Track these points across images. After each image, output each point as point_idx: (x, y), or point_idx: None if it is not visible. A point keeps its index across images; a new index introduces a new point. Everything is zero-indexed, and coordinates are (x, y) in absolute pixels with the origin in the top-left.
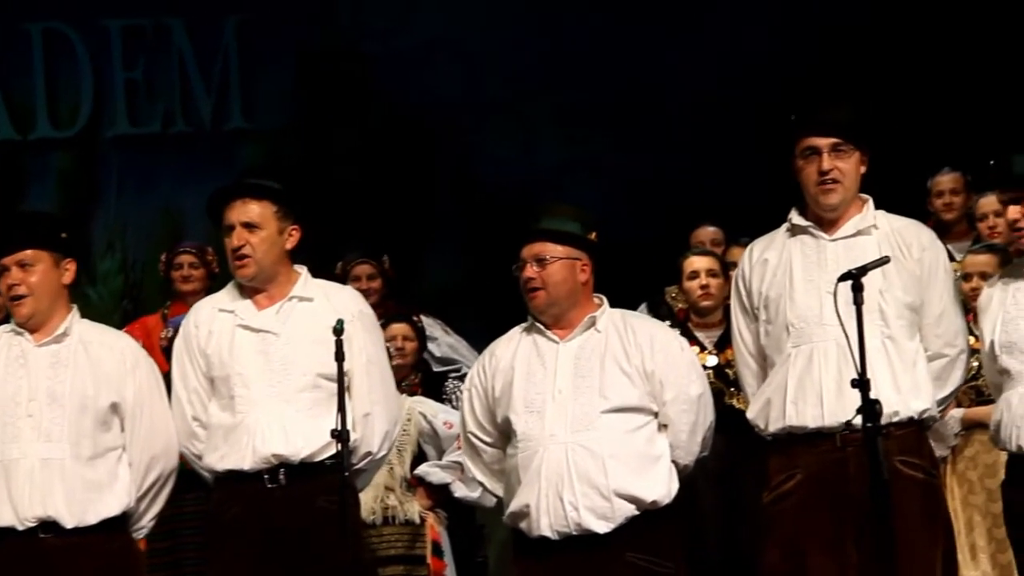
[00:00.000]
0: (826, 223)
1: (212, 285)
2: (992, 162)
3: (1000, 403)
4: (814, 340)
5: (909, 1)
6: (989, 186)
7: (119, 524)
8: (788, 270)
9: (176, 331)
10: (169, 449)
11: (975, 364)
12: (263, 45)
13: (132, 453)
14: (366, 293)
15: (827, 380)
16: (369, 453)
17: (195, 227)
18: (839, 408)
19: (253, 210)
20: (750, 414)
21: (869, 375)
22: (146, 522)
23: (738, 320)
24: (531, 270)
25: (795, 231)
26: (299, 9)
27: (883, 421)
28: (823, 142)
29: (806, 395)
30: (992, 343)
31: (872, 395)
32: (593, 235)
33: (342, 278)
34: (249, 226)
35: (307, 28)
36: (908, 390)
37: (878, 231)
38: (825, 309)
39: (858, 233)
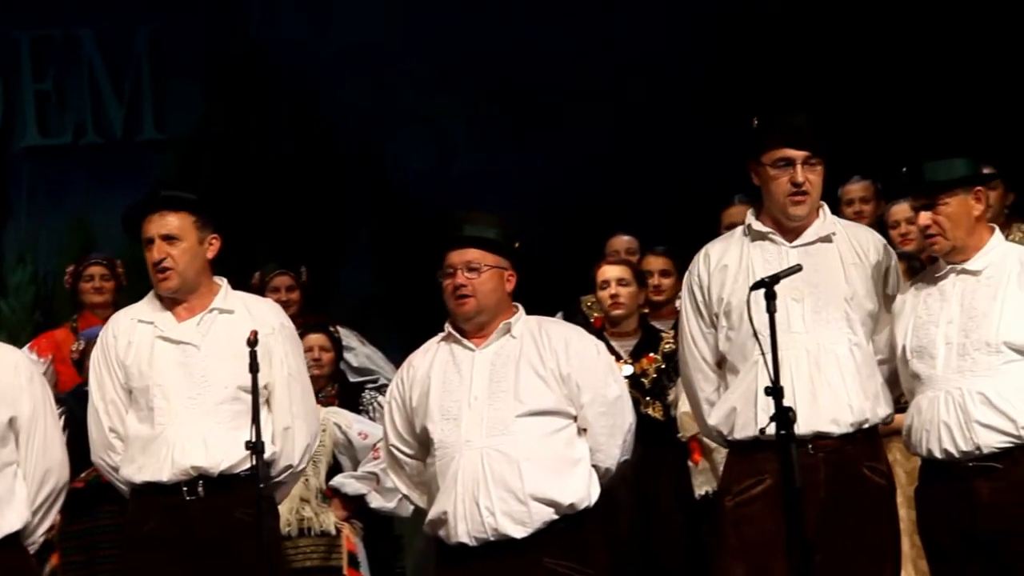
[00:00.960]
0: (786, 229)
1: (120, 298)
2: (904, 169)
3: (911, 408)
4: (782, 348)
5: (820, 8)
6: (900, 193)
7: (18, 539)
8: (750, 276)
9: (88, 343)
10: (63, 463)
11: None
12: (175, 55)
13: (27, 467)
14: (285, 304)
15: (799, 388)
16: (289, 466)
17: (107, 238)
18: (813, 416)
19: (172, 222)
20: (712, 420)
21: (842, 383)
22: (38, 536)
23: (691, 325)
24: (463, 277)
25: (754, 237)
26: (210, 19)
27: (854, 428)
28: (797, 154)
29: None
30: (904, 348)
31: (846, 402)
32: (517, 244)
33: (259, 289)
34: (169, 238)
35: (219, 38)
36: (874, 396)
37: (837, 237)
38: (792, 316)
39: (819, 240)
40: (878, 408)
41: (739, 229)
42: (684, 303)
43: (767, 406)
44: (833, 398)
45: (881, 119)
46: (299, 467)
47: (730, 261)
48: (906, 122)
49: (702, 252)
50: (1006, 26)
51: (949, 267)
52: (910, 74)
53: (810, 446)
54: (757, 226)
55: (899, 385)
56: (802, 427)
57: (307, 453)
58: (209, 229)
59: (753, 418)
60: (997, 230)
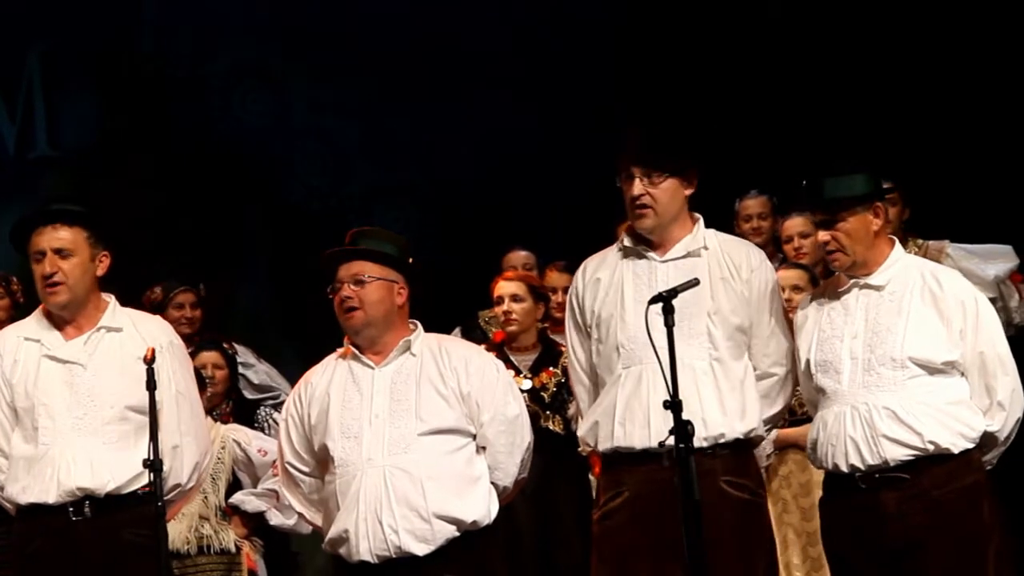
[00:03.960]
0: (656, 244)
1: (16, 315)
2: (804, 183)
3: (816, 421)
4: (643, 362)
5: (721, 22)
6: (796, 208)
7: None
8: (619, 290)
9: None
10: None
11: None
12: (68, 72)
13: None
14: (189, 321)
15: (655, 401)
16: (178, 485)
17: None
18: (666, 429)
19: (64, 236)
20: (580, 432)
21: (696, 397)
22: None
23: (572, 338)
24: (348, 289)
25: (627, 252)
26: (103, 36)
27: (709, 443)
28: (636, 168)
29: (634, 416)
30: (808, 362)
31: (700, 416)
32: (411, 260)
33: (162, 305)
34: (60, 252)
35: (112, 55)
36: (734, 411)
37: (708, 252)
38: (654, 331)
39: (688, 255)
40: (737, 423)
41: (617, 244)
42: (567, 316)
43: (624, 420)
44: (687, 413)
45: (776, 133)
46: (187, 486)
47: (603, 275)
48: (802, 136)
49: (582, 266)
50: (901, 38)
51: (852, 281)
52: (806, 87)
53: (665, 460)
54: (627, 241)
55: (782, 399)
56: (654, 441)
57: (196, 471)
58: (101, 246)
59: (610, 432)
60: (897, 243)
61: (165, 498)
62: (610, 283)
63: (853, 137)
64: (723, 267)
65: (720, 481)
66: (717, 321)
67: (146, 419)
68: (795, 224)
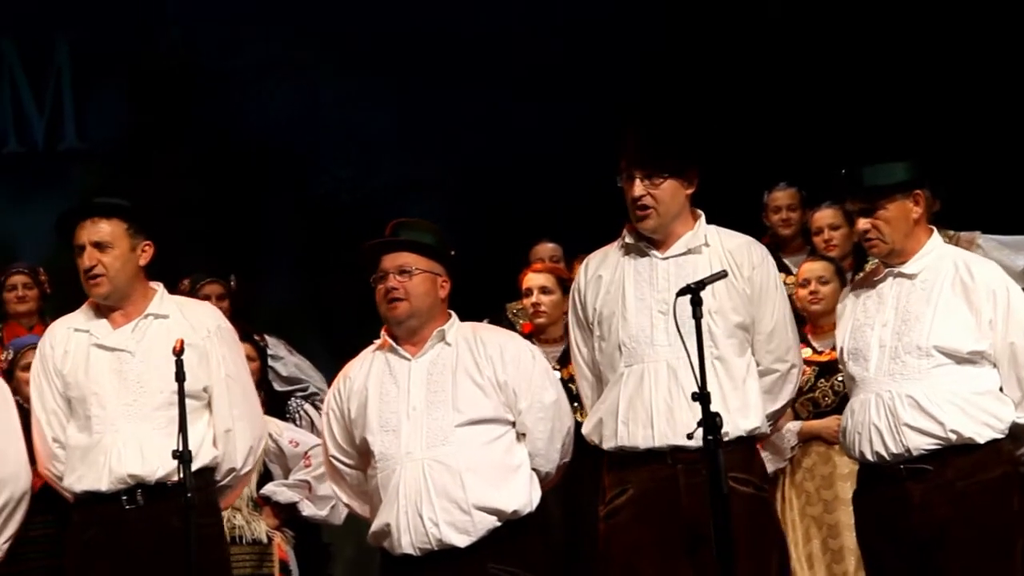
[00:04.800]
0: (658, 241)
1: (44, 305)
2: (843, 171)
3: (846, 410)
4: (645, 360)
5: (747, 15)
6: (830, 198)
7: None
8: (621, 288)
9: (16, 353)
10: (19, 471)
11: (810, 377)
12: (96, 64)
13: None
14: None
15: (657, 401)
16: (232, 469)
17: (29, 247)
18: (669, 429)
19: (103, 229)
20: (585, 430)
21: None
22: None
23: (575, 334)
24: (395, 280)
25: (628, 249)
26: (132, 28)
27: (695, 439)
28: (637, 170)
29: (637, 415)
30: (842, 350)
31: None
32: (452, 252)
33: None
34: (100, 245)
35: (140, 47)
36: (736, 409)
37: (709, 248)
38: (656, 329)
39: (689, 251)
40: (740, 421)
41: (619, 241)
42: (569, 313)
43: (627, 419)
44: (689, 412)
45: (805, 125)
46: (243, 469)
47: (605, 272)
48: (831, 128)
49: (584, 262)
50: (933, 28)
51: (887, 270)
52: (837, 78)
53: (668, 458)
54: (629, 238)
55: (785, 394)
56: (658, 440)
57: (251, 455)
58: (142, 236)
59: (614, 431)
60: (935, 232)
61: (222, 483)
62: (611, 281)
63: (882, 129)
64: (724, 264)
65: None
66: (717, 319)
67: (198, 403)
68: (824, 216)
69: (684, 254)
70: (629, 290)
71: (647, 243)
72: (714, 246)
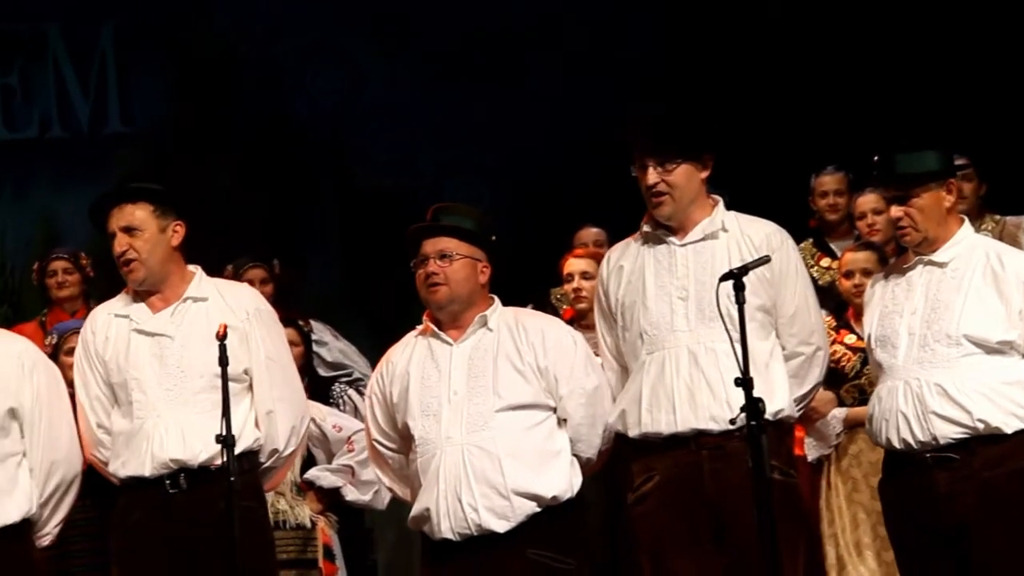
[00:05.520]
0: (676, 229)
1: (87, 290)
2: (876, 159)
3: (873, 397)
4: (666, 347)
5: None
6: (868, 184)
7: (18, 531)
8: (641, 276)
9: (60, 338)
10: (71, 454)
11: (855, 364)
12: (141, 49)
13: (32, 458)
14: None
15: (679, 386)
16: (275, 450)
17: (73, 232)
18: (691, 414)
19: (130, 214)
20: (610, 419)
21: (720, 380)
22: (51, 528)
23: (600, 324)
24: (435, 265)
25: (647, 237)
26: (176, 12)
27: (738, 423)
28: (649, 158)
29: (660, 402)
30: (870, 336)
31: (724, 400)
32: (493, 237)
33: None
34: (129, 230)
35: (185, 31)
36: (761, 393)
37: (727, 234)
38: (676, 315)
39: (706, 237)
40: (765, 404)
41: (640, 230)
42: (595, 303)
43: (651, 406)
44: (711, 396)
45: (853, 109)
46: (286, 451)
47: (626, 262)
48: (879, 111)
49: (606, 254)
50: (975, 16)
51: (917, 258)
52: (884, 61)
53: (692, 444)
54: (648, 227)
55: (812, 377)
56: (681, 425)
57: (294, 435)
58: (171, 216)
59: (638, 419)
60: (967, 221)
61: (265, 464)
62: (632, 270)
63: (930, 112)
64: (742, 248)
65: (749, 462)
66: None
67: (240, 386)
68: (868, 200)
69: (702, 240)
70: (649, 278)
71: (665, 231)
72: (732, 231)
